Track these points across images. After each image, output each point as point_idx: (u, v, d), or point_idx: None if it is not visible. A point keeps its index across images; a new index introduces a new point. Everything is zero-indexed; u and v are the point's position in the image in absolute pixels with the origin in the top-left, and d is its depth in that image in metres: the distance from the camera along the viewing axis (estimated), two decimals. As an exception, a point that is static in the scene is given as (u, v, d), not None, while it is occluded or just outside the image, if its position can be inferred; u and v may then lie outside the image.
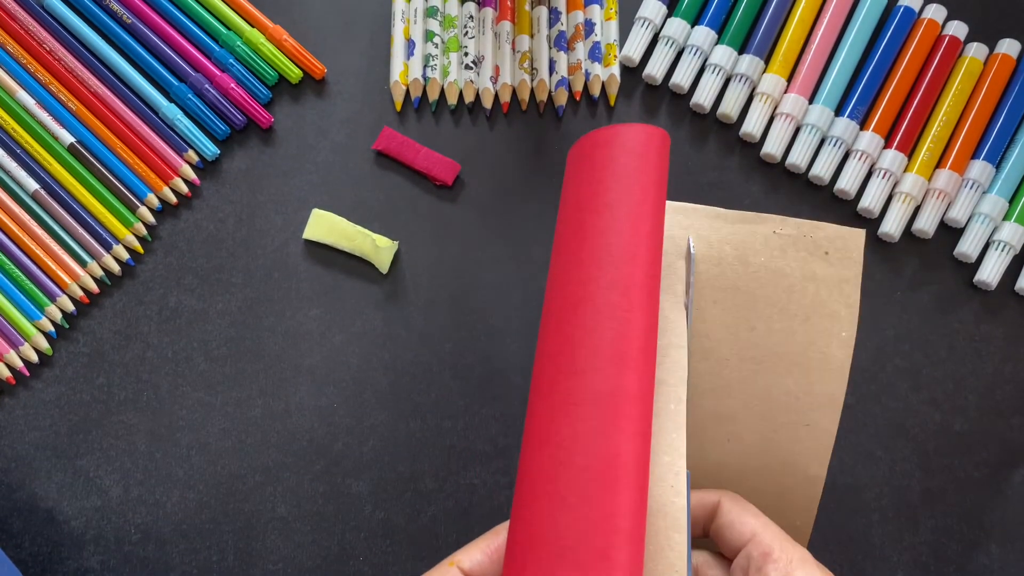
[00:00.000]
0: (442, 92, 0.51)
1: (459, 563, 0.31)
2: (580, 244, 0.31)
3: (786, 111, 0.49)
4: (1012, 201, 0.48)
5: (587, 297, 0.30)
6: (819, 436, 0.37)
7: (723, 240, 0.38)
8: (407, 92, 0.51)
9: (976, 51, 0.50)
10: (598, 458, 0.27)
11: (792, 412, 0.37)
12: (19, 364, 0.47)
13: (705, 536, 0.33)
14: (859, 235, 0.38)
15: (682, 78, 0.50)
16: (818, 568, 0.30)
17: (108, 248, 0.49)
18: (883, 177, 0.49)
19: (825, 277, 0.38)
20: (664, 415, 0.32)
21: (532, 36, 0.52)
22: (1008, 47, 0.50)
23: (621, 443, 0.27)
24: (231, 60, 0.51)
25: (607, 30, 0.52)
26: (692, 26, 0.51)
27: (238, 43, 0.51)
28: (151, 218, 0.49)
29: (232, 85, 0.50)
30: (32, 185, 0.49)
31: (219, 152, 0.50)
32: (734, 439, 0.37)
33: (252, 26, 0.51)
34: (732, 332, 0.37)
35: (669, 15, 0.51)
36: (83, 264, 0.49)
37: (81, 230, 0.49)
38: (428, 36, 0.51)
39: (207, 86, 0.50)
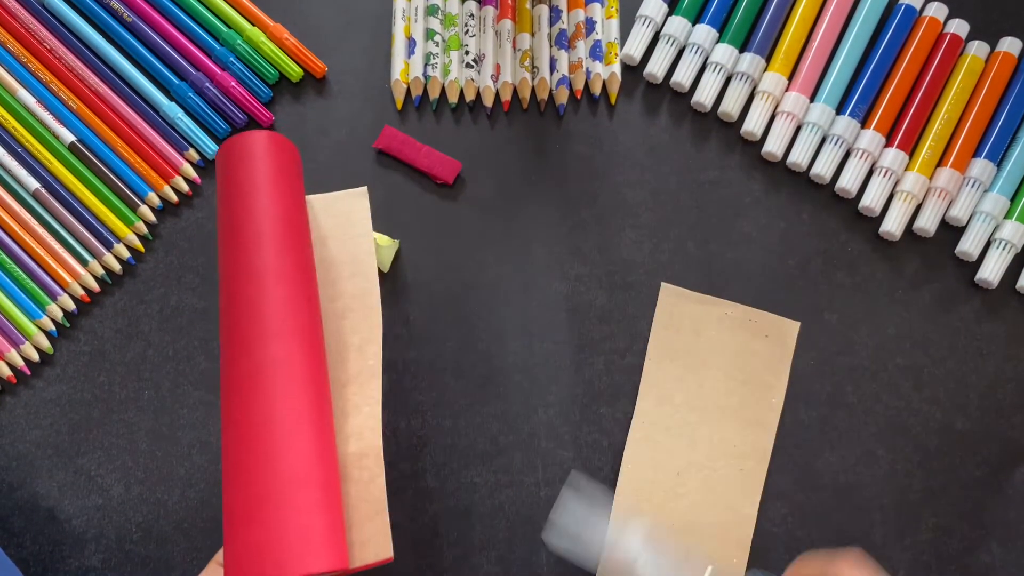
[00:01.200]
0: (443, 90, 0.51)
1: (218, 560, 0.37)
2: (225, 241, 0.38)
3: (787, 109, 0.49)
4: (1013, 199, 0.48)
5: (234, 291, 0.36)
6: (751, 480, 0.45)
7: (683, 315, 0.47)
8: (408, 90, 0.51)
9: (977, 49, 0.50)
10: (270, 421, 0.33)
11: (730, 457, 0.45)
12: (20, 363, 0.47)
13: None
14: (794, 326, 0.47)
15: (683, 76, 0.50)
16: None
17: (109, 247, 0.49)
18: (884, 175, 0.49)
19: (763, 354, 0.47)
20: (366, 371, 0.39)
21: (533, 34, 0.52)
22: (1009, 45, 0.50)
23: (281, 403, 0.34)
24: (232, 58, 0.51)
25: (608, 28, 0.52)
26: (693, 24, 0.51)
27: (239, 41, 0.51)
28: (152, 217, 0.49)
29: (233, 83, 0.50)
30: (33, 184, 0.49)
31: (220, 151, 0.50)
32: (682, 473, 0.45)
33: (253, 24, 0.51)
34: (684, 384, 0.46)
35: (670, 13, 0.51)
36: (84, 263, 0.49)
37: (82, 229, 0.49)
38: (429, 34, 0.51)
39: (208, 84, 0.50)
